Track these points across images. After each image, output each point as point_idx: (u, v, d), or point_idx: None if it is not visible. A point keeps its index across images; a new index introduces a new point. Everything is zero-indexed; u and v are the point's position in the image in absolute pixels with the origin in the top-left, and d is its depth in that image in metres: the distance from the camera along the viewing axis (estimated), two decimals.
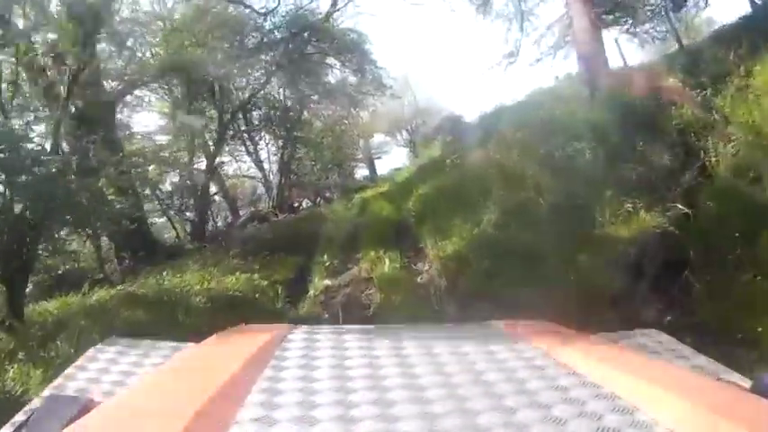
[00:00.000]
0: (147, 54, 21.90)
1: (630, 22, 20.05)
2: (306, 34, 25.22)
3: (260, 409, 1.78)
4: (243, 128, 27.73)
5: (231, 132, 26.80)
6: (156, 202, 23.41)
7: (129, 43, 20.14)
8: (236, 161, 30.12)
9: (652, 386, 1.92)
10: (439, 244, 12.82)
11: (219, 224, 28.23)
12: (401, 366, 2.34)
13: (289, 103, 28.11)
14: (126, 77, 20.79)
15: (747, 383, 2.28)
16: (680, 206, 10.49)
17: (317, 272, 14.26)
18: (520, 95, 24.58)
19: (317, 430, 1.66)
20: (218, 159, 25.31)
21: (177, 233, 24.93)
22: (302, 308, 12.58)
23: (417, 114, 41.86)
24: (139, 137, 24.40)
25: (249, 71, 25.12)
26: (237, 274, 14.24)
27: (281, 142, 28.93)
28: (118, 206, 14.00)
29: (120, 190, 15.58)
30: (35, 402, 2.43)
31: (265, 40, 24.95)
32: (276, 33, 25.29)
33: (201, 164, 24.76)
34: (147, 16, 21.52)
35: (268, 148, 29.89)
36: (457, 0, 32.95)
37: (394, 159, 42.85)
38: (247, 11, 24.43)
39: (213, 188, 27.12)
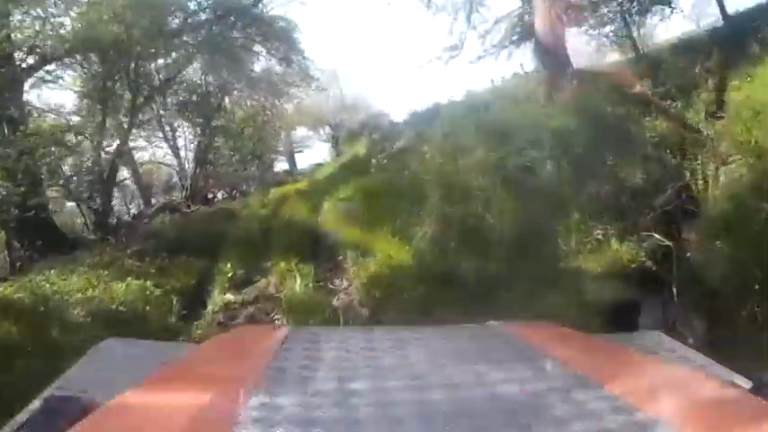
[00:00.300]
0: (63, 28, 20.27)
1: (591, 22, 18.99)
2: (232, 18, 24.01)
3: (260, 411, 1.68)
4: (160, 112, 26.32)
5: (146, 116, 25.57)
6: (58, 188, 21.94)
7: (41, 12, 18.89)
8: (152, 146, 28.90)
9: (653, 387, 1.92)
10: (361, 260, 11.62)
11: (130, 212, 27.15)
12: (402, 367, 2.35)
13: (209, 89, 26.91)
14: (38, 50, 19.51)
15: (749, 384, 2.11)
16: (657, 236, 9.26)
17: (220, 283, 12.95)
18: (458, 95, 22.79)
19: (318, 430, 1.58)
20: (128, 143, 24.01)
21: (86, 222, 23.49)
22: (197, 328, 11.20)
23: (343, 109, 40.61)
24: (53, 116, 22.76)
25: (169, 52, 23.94)
26: (130, 279, 12.76)
27: (198, 129, 27.74)
28: (3, 191, 12.40)
29: (9, 172, 14.31)
30: (35, 403, 2.23)
31: (189, 20, 23.64)
32: (201, 14, 24.05)
33: (112, 147, 23.09)
34: None
35: (185, 135, 28.68)
36: None
37: (315, 154, 42.20)
38: None
39: (125, 173, 26.10)
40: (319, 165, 33.72)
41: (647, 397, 1.79)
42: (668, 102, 12.49)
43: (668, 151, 10.91)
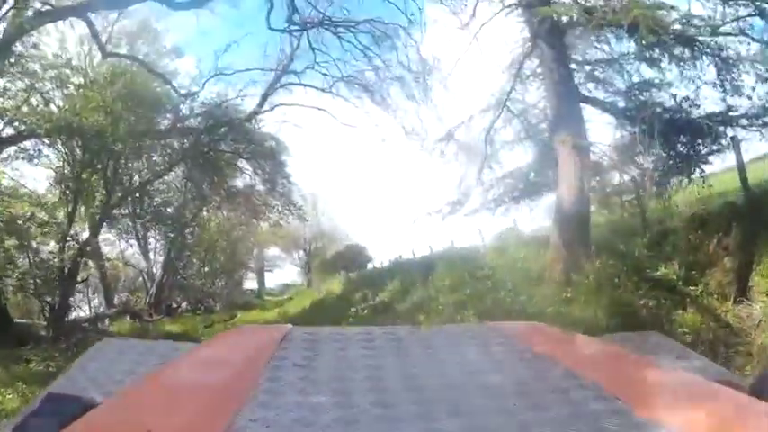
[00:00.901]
0: (49, 105, 19.54)
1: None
2: (223, 129, 23.21)
3: (260, 410, 1.74)
4: (137, 210, 25.26)
5: (119, 213, 24.53)
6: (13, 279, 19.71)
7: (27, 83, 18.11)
8: (122, 242, 27.66)
9: (651, 387, 1.98)
10: None
11: (92, 308, 25.53)
12: (401, 367, 2.37)
13: (187, 198, 25.82)
14: (16, 124, 18.63)
15: (746, 385, 2.30)
16: None
17: None
18: (444, 245, 21.20)
19: (317, 430, 1.64)
20: (97, 239, 22.87)
21: (44, 313, 21.46)
22: None
23: (320, 236, 40.22)
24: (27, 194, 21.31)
25: (151, 154, 23.16)
26: None
27: (170, 237, 26.39)
28: None
29: None
30: (36, 402, 2.32)
31: (178, 125, 22.79)
32: (192, 120, 23.21)
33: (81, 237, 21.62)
34: (60, 63, 19.34)
35: (156, 239, 27.48)
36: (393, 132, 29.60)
37: (285, 274, 41.79)
38: (167, 88, 22.13)
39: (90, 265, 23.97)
40: (288, 285, 34.19)
41: (646, 398, 1.81)
42: (681, 282, 11.61)
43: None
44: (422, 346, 2.77)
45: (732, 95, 13.93)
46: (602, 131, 21.11)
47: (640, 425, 1.65)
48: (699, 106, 14.19)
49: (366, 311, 15.52)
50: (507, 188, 17.70)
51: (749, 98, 13.90)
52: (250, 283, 38.50)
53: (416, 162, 23.58)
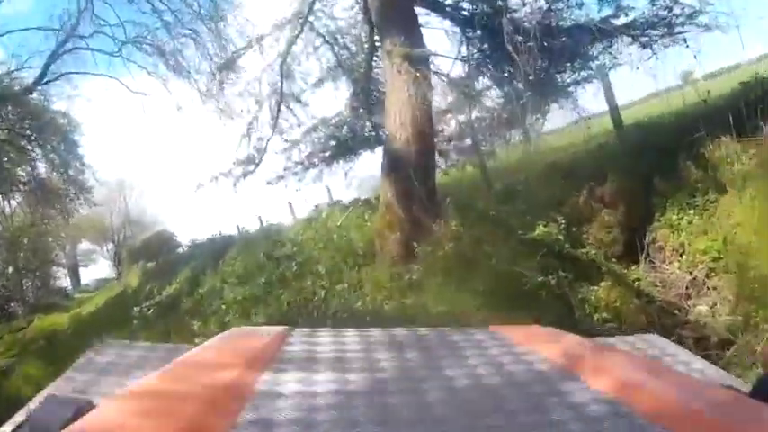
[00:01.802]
0: None
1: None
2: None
3: (260, 411, 1.54)
4: None
5: None
6: None
7: None
8: None
9: (652, 390, 1.80)
10: None
11: None
12: (401, 369, 2.19)
13: None
14: None
15: (746, 388, 2.16)
16: None
17: None
18: (254, 221, 17.59)
19: (317, 431, 1.48)
20: None
21: None
22: None
23: (128, 224, 35.51)
24: None
25: None
26: None
27: None
28: None
29: None
30: (34, 403, 2.25)
31: None
32: None
33: None
34: None
35: None
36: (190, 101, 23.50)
37: (102, 269, 36.68)
38: None
39: None
40: (104, 280, 29.91)
41: (647, 400, 1.62)
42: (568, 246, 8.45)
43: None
44: (421, 348, 2.45)
45: None
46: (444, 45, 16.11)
47: (640, 427, 1.48)
48: (581, 5, 9.81)
49: (151, 311, 11.83)
50: (316, 145, 12.49)
51: None
52: (65, 281, 32.98)
53: (219, 129, 19.17)
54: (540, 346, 2.37)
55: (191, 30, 17.08)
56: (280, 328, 2.60)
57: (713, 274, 7.30)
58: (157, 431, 1.34)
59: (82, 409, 1.73)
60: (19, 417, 2.11)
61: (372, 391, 1.76)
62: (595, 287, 7.63)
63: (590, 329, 6.71)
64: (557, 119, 11.20)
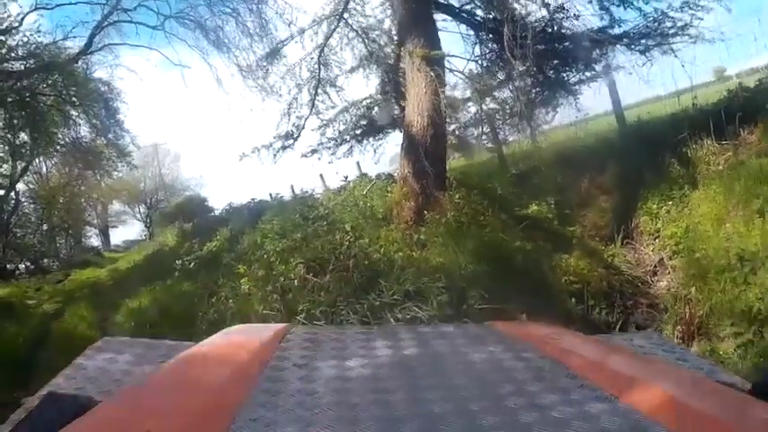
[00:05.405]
0: None
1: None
2: (46, 73, 19.47)
3: (260, 410, 1.53)
4: None
5: None
6: None
7: None
8: None
9: (652, 388, 1.74)
10: None
11: None
12: (401, 367, 2.11)
13: (15, 147, 21.59)
14: None
15: (747, 386, 2.09)
16: None
17: None
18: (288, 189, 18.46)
19: (317, 430, 1.44)
20: None
21: None
22: None
23: (161, 188, 36.86)
24: None
25: None
26: None
27: (1, 192, 22.58)
28: None
29: None
30: (33, 401, 2.08)
31: None
32: (10, 63, 19.04)
33: None
34: None
35: None
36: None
37: (132, 230, 37.77)
38: None
39: None
40: (134, 241, 30.61)
41: (647, 399, 1.60)
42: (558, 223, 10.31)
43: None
44: (421, 345, 2.35)
45: (618, 5, 11.20)
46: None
47: (640, 425, 1.41)
48: (578, 17, 11.37)
49: (192, 264, 13.23)
50: (348, 124, 14.59)
51: (639, 9, 11.25)
52: (95, 241, 34.29)
53: (256, 103, 20.41)
54: (540, 342, 2.39)
55: (231, 8, 18.12)
56: (280, 325, 2.75)
57: (675, 255, 8.75)
58: (158, 428, 1.40)
59: (82, 405, 1.75)
60: (18, 414, 2.04)
61: (373, 390, 1.76)
62: (567, 255, 9.02)
63: (590, 327, 7.77)
64: (571, 114, 12.34)
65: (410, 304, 7.84)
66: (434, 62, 10.67)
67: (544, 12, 11.40)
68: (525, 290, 8.18)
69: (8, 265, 23.65)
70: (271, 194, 18.65)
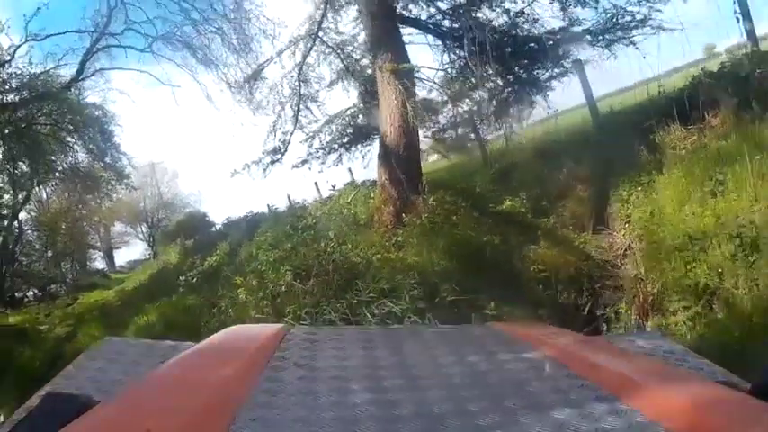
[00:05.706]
0: None
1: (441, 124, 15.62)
2: (40, 102, 20.15)
3: (259, 410, 1.55)
4: None
5: None
6: None
7: None
8: None
9: (652, 388, 1.74)
10: None
11: None
12: (401, 367, 2.13)
13: (15, 179, 21.91)
14: None
15: (747, 386, 1.94)
16: None
17: None
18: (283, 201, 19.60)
19: (317, 430, 1.47)
20: None
21: None
22: None
23: (161, 207, 37.52)
24: None
25: None
26: None
27: (5, 223, 22.84)
28: None
29: None
30: (33, 401, 2.09)
31: None
32: (4, 95, 19.69)
33: None
34: None
35: None
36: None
37: (135, 250, 39.14)
38: None
39: None
40: (138, 261, 31.11)
41: (647, 399, 1.62)
42: (531, 215, 10.72)
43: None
44: (421, 346, 2.48)
45: (575, 6, 11.85)
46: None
47: (641, 425, 1.45)
48: (537, 20, 12.09)
49: (194, 279, 14.00)
50: (335, 134, 15.41)
51: (595, 8, 11.93)
52: (100, 263, 35.26)
53: (246, 118, 21.13)
54: (540, 343, 2.41)
55: (216, 27, 18.95)
56: (278, 326, 2.74)
57: (641, 239, 9.11)
58: (158, 427, 1.38)
59: (83, 405, 1.69)
60: (18, 414, 2.02)
61: (373, 390, 1.77)
62: (536, 246, 9.54)
63: (559, 310, 8.37)
64: (547, 109, 12.88)
65: (385, 300, 8.27)
66: (403, 75, 11.21)
67: (506, 18, 11.99)
68: (495, 281, 8.60)
69: (17, 294, 24.21)
70: (268, 206, 19.42)
